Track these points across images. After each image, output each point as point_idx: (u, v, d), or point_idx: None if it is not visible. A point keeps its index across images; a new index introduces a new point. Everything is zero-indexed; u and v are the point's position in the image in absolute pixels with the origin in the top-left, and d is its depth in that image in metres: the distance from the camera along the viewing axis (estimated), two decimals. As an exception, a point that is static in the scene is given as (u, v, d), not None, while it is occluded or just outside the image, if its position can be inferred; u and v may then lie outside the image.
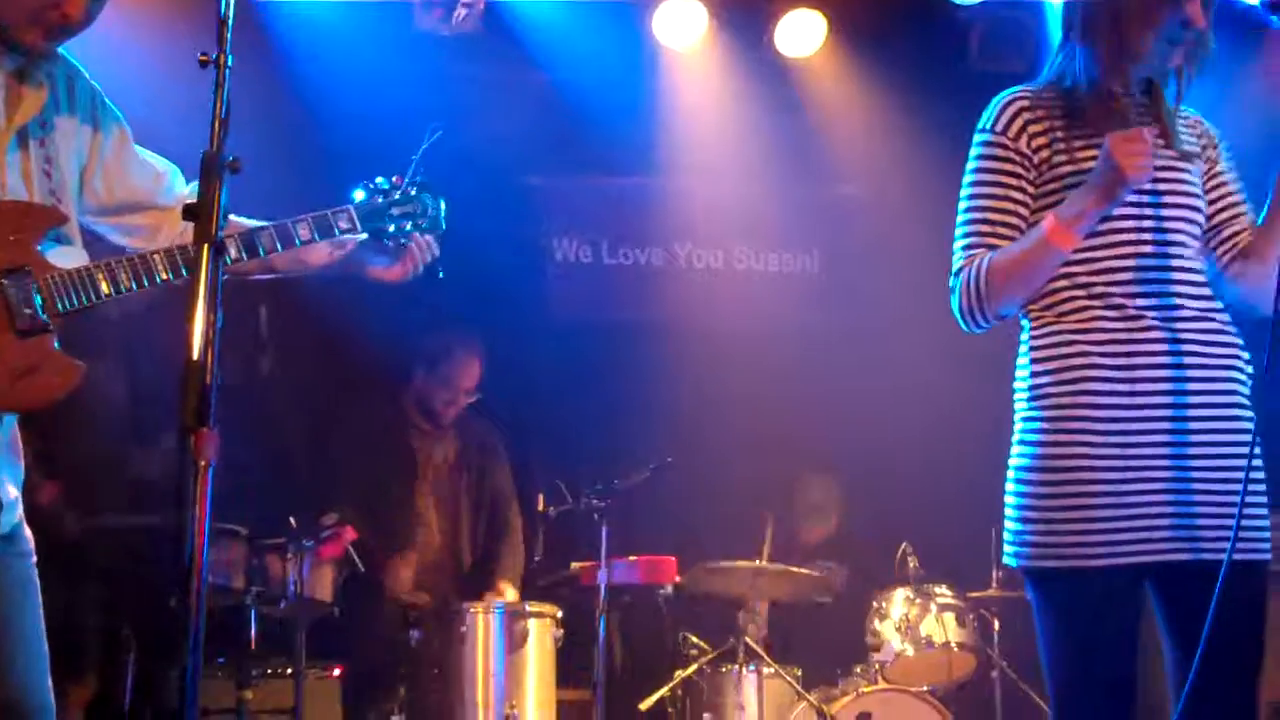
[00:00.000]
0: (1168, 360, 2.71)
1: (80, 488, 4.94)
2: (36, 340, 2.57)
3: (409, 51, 6.13)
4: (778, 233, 7.28)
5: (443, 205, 3.11)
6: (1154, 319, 2.72)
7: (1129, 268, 2.74)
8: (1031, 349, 2.82)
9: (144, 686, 5.05)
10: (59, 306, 2.60)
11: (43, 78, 2.70)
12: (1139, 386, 2.70)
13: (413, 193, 3.06)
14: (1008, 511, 2.81)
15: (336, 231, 2.94)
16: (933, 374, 6.47)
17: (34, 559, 2.72)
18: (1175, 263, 2.76)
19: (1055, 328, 2.78)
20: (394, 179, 3.06)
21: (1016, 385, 2.85)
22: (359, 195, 3.03)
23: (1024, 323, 2.86)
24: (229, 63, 2.23)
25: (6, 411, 2.60)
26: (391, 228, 3.04)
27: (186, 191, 2.93)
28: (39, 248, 2.62)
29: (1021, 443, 2.79)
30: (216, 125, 2.20)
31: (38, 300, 2.58)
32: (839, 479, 6.63)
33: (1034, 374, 2.79)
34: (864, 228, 7.04)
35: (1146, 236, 2.75)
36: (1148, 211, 2.76)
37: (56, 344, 2.61)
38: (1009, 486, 2.81)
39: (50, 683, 2.70)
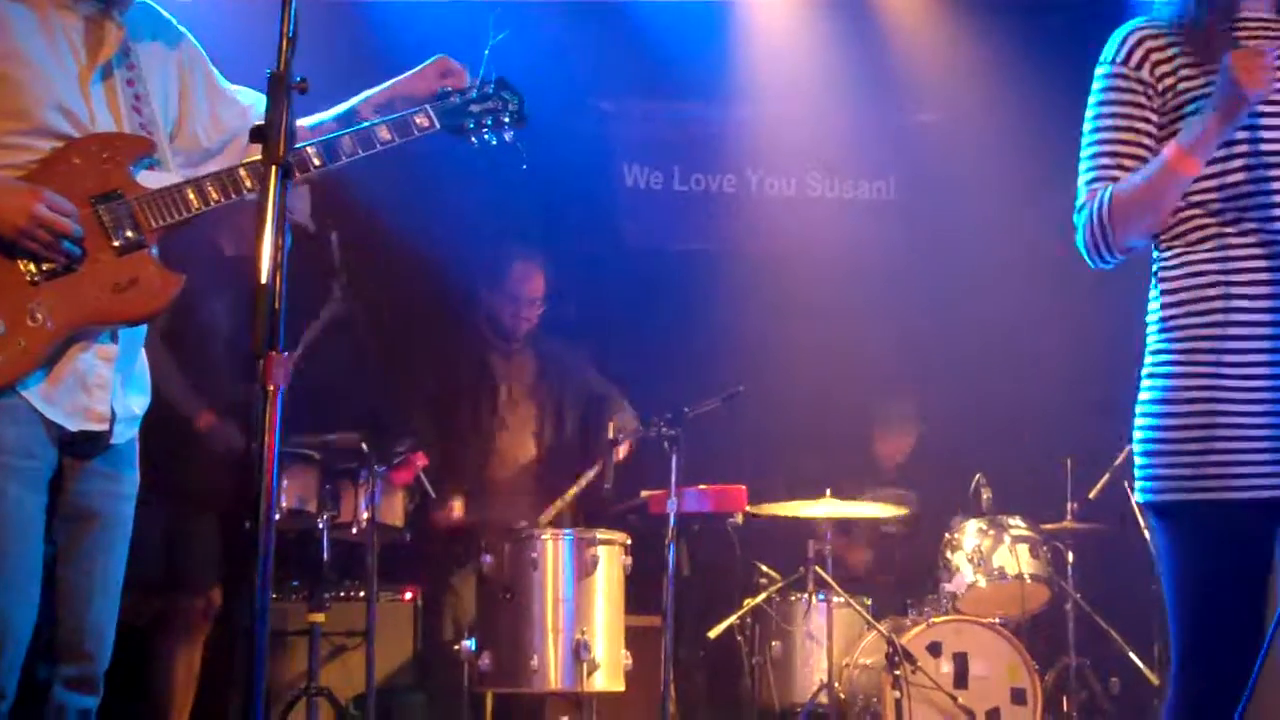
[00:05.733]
0: None
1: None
2: (135, 256, 2.71)
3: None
4: (851, 159, 7.18)
5: (523, 100, 3.11)
6: None
7: (1265, 191, 2.65)
8: (1160, 279, 2.73)
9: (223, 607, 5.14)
10: (152, 223, 2.72)
11: (120, 17, 2.79)
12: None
13: (490, 90, 3.07)
14: (1135, 447, 2.73)
15: (415, 131, 2.97)
16: (1008, 303, 6.38)
17: (134, 503, 2.80)
18: None
19: (1187, 257, 2.69)
20: (471, 81, 3.07)
21: (1148, 318, 2.76)
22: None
23: (1155, 254, 2.78)
24: (296, -17, 2.23)
25: (115, 324, 2.72)
26: (471, 124, 3.05)
27: None
28: (130, 170, 2.74)
29: (1151, 375, 2.71)
30: (284, 45, 2.19)
31: (131, 219, 2.71)
32: (917, 398, 6.56)
33: (1164, 305, 2.71)
34: (939, 154, 6.92)
35: None
36: None
37: (154, 254, 2.75)
38: (1137, 421, 2.73)
39: (115, 621, 2.79)
